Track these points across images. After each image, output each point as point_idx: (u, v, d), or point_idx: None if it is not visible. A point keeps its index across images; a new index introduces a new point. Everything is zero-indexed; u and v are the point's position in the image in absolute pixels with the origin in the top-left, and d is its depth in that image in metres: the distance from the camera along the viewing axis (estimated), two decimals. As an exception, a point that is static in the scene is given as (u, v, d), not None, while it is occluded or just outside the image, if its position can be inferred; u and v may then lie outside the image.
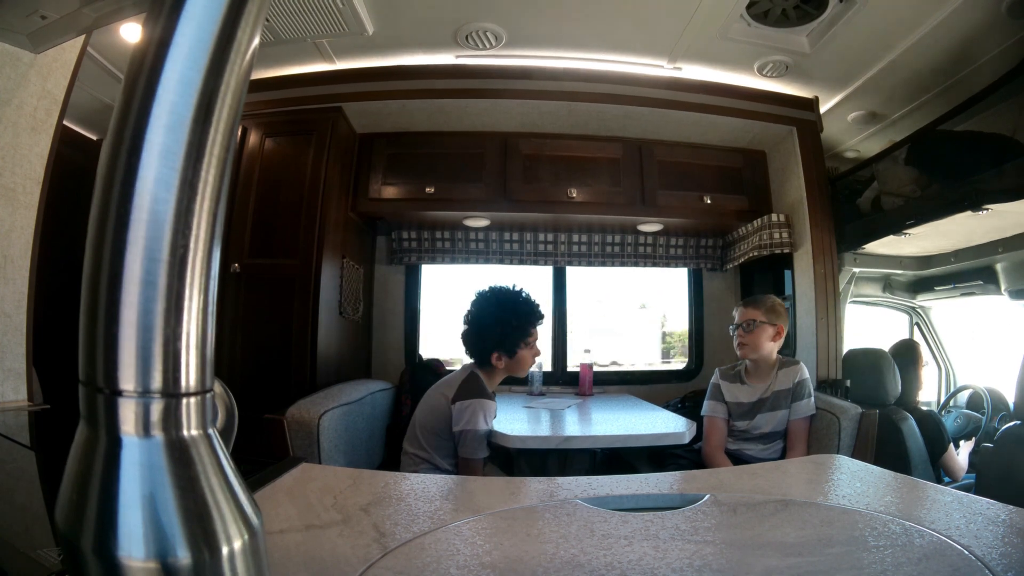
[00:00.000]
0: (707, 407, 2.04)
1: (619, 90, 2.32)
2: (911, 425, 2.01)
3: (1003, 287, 2.47)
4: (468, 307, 1.82)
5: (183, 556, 0.24)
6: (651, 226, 2.81)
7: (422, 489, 0.82)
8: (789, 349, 2.48)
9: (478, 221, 2.73)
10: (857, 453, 1.75)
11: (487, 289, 1.84)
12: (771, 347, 1.96)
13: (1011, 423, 1.68)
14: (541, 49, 2.19)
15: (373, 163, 2.54)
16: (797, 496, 0.76)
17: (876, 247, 2.47)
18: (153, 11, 0.25)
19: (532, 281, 3.06)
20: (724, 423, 1.98)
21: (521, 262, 2.90)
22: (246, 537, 0.26)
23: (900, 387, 2.13)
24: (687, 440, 1.74)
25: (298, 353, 2.12)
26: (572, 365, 2.95)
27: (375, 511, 0.69)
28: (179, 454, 0.26)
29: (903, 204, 2.16)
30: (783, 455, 1.94)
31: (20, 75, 1.24)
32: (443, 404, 1.67)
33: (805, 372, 1.94)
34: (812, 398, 1.92)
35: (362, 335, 2.72)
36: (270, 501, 0.72)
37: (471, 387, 1.69)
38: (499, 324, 1.74)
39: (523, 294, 1.82)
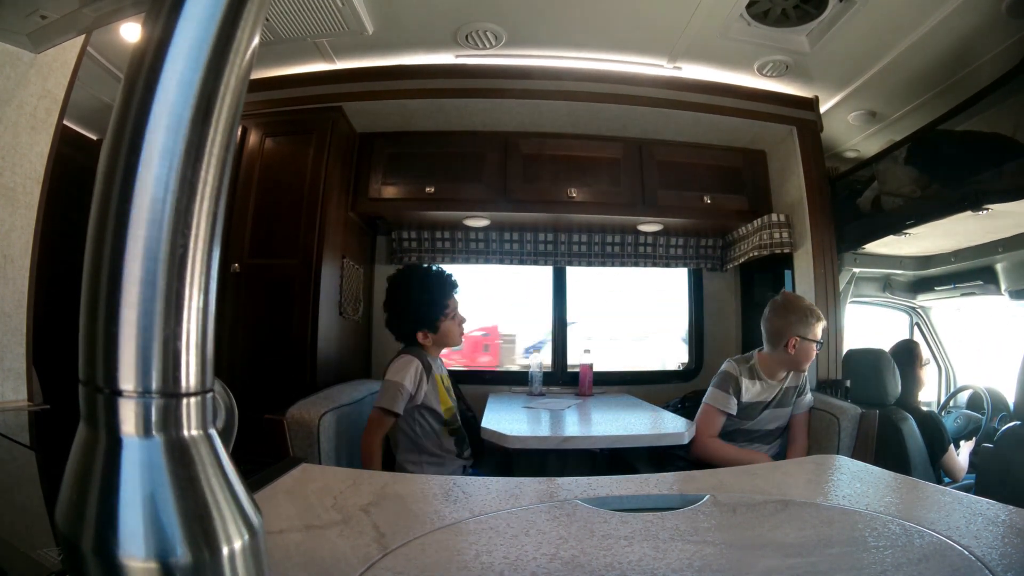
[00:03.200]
0: (716, 397, 1.89)
1: (619, 90, 2.32)
2: (911, 425, 2.01)
3: (1003, 287, 2.47)
4: (386, 291, 1.88)
5: (183, 556, 0.24)
6: (651, 226, 2.81)
7: (422, 489, 0.82)
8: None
9: (478, 221, 2.73)
10: (857, 453, 1.75)
11: (396, 272, 1.91)
12: None
13: (1011, 423, 1.68)
14: (541, 49, 2.19)
15: (373, 163, 2.54)
16: (797, 496, 0.76)
17: (876, 247, 2.47)
18: (153, 11, 0.25)
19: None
20: (724, 419, 1.88)
21: (521, 262, 2.90)
22: (246, 537, 0.27)
23: (900, 387, 2.13)
24: (687, 440, 1.74)
25: (298, 353, 2.12)
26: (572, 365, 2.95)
27: (375, 511, 0.69)
28: (179, 454, 0.26)
29: (903, 204, 2.16)
30: (782, 451, 1.94)
31: (20, 75, 1.24)
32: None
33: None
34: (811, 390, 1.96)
35: (362, 335, 2.72)
36: (270, 501, 0.72)
37: (400, 354, 1.77)
38: (411, 303, 1.80)
39: (433, 269, 1.87)
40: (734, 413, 1.89)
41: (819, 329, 1.89)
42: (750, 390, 1.90)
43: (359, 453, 1.73)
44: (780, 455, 1.94)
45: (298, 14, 1.86)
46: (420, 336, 1.80)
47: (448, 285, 1.84)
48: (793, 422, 1.93)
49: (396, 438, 1.75)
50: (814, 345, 1.88)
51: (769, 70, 2.23)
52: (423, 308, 1.79)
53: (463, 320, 1.90)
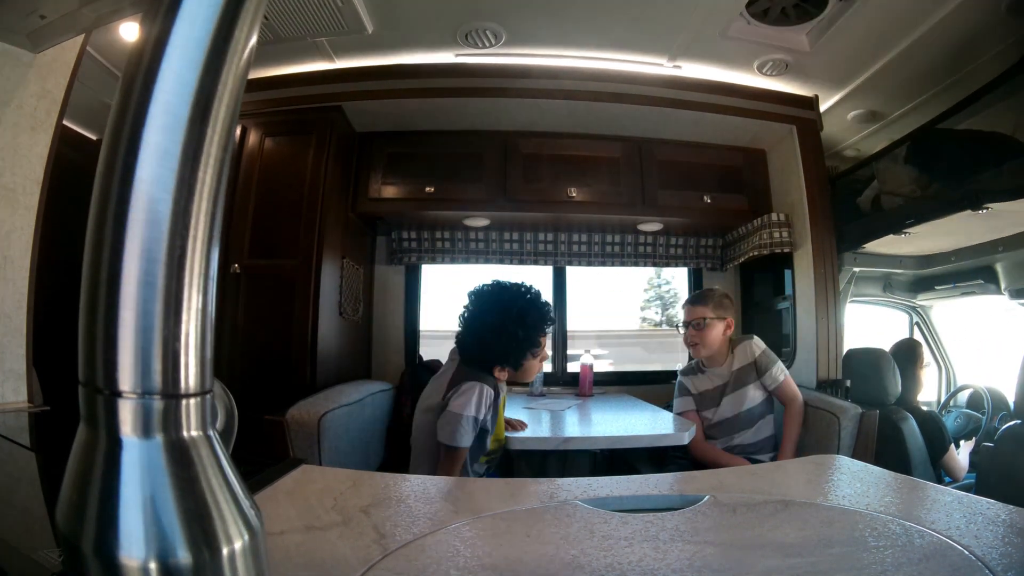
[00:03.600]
0: (677, 404, 2.08)
1: (619, 89, 2.32)
2: (911, 425, 2.01)
3: (1003, 286, 2.47)
4: (465, 306, 1.59)
5: (183, 557, 0.24)
6: (651, 226, 2.81)
7: (422, 490, 0.82)
8: (789, 348, 2.48)
9: (478, 221, 2.73)
10: (857, 453, 1.75)
11: (488, 287, 1.60)
12: (722, 340, 2.00)
13: (1011, 423, 1.68)
14: (541, 48, 2.19)
15: (373, 163, 2.54)
16: (797, 496, 0.76)
17: (876, 247, 2.47)
18: (151, 10, 0.25)
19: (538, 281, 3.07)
20: (696, 415, 2.03)
21: (521, 262, 2.90)
22: (246, 538, 0.26)
23: (900, 387, 2.13)
24: (687, 441, 1.74)
25: (298, 353, 2.12)
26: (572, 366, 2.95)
27: (375, 512, 0.69)
28: (179, 455, 0.26)
29: (903, 203, 2.16)
30: (775, 428, 1.95)
31: (20, 75, 1.24)
32: (432, 421, 1.47)
33: (761, 343, 2.00)
34: (779, 362, 1.98)
35: (362, 335, 2.72)
36: (270, 502, 0.71)
37: (462, 378, 1.47)
38: (503, 336, 1.51)
39: (530, 295, 1.58)
40: (696, 409, 2.03)
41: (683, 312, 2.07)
42: (696, 384, 2.06)
43: (359, 453, 1.73)
44: (772, 434, 1.97)
45: (298, 14, 1.86)
46: (496, 370, 1.56)
47: (547, 320, 1.59)
48: (778, 394, 1.96)
49: (423, 444, 1.52)
50: (685, 327, 2.04)
51: (769, 69, 2.23)
52: (514, 345, 1.53)
53: (546, 357, 1.67)
